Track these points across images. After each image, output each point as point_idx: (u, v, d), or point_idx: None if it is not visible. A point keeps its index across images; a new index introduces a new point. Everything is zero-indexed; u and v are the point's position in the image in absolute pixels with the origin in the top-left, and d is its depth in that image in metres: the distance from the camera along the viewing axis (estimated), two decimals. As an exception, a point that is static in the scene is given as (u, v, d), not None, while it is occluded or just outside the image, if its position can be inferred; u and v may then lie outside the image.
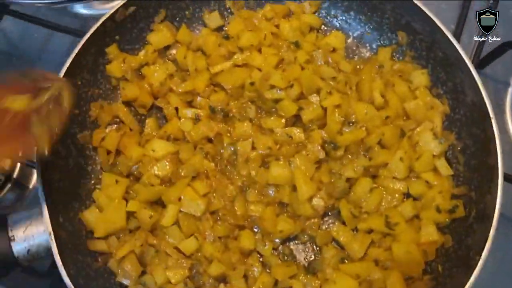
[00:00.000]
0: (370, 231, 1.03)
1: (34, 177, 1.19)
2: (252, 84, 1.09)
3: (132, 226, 1.02)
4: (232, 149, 1.07)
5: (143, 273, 0.98)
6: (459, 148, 1.07)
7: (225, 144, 1.07)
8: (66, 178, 1.02)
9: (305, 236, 1.05)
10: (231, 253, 0.99)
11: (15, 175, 1.18)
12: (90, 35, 1.06)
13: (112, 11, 1.10)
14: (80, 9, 1.38)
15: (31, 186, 1.20)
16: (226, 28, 1.23)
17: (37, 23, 1.27)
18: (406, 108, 1.09)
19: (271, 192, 1.04)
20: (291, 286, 0.98)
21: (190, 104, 1.14)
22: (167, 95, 1.14)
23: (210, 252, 0.98)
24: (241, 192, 1.05)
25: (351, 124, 1.07)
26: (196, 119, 1.10)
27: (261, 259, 1.02)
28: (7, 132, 0.82)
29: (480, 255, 0.91)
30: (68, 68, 1.02)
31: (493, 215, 0.93)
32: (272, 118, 1.09)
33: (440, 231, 1.02)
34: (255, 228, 1.03)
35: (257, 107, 1.11)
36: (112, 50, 1.14)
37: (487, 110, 1.00)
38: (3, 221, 0.91)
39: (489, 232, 0.92)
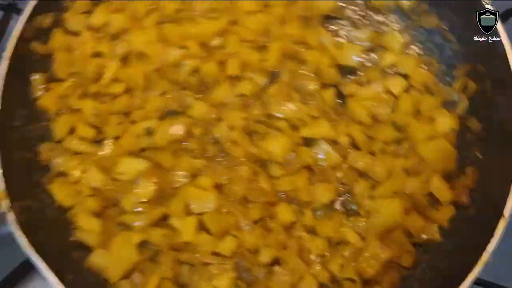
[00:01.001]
0: (385, 146, 0.95)
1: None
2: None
3: (150, 254, 0.86)
4: (213, 138, 0.94)
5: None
6: (446, 29, 1.02)
7: (200, 135, 0.94)
8: (50, 232, 0.84)
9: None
10: (274, 233, 0.87)
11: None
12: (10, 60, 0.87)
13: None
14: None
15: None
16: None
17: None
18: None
19: (291, 158, 0.93)
20: (344, 237, 0.88)
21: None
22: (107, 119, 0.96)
23: (252, 242, 0.86)
24: (261, 167, 0.92)
25: None
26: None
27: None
28: None
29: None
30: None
31: (510, 79, 0.88)
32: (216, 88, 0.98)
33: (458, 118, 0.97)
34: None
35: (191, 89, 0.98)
36: (39, 79, 0.95)
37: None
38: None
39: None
